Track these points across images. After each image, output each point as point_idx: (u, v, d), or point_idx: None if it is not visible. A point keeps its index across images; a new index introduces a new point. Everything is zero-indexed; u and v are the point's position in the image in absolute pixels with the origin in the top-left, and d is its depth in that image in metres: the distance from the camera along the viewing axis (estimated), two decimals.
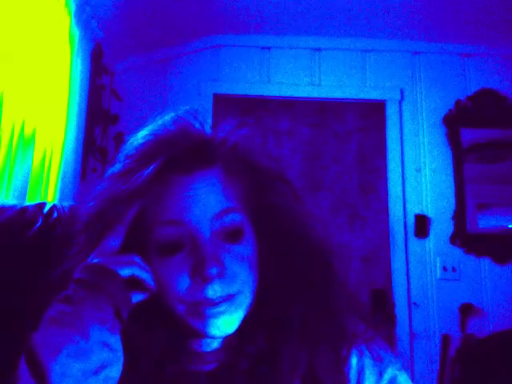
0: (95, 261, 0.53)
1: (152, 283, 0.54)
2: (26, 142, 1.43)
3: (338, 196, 2.38)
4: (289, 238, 0.59)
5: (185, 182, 0.54)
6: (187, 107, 0.60)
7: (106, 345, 0.47)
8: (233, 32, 2.49)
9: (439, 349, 2.15)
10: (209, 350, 0.58)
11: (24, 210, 0.77)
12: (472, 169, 2.37)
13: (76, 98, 1.81)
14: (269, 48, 2.54)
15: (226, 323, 0.53)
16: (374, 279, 2.30)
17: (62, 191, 1.65)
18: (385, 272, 2.31)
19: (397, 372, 0.59)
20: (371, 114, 2.50)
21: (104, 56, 2.17)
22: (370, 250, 2.33)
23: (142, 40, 2.36)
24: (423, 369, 2.17)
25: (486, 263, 2.29)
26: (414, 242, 2.32)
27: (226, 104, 2.45)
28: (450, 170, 2.38)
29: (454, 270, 2.27)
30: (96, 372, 0.46)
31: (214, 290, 0.52)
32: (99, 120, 2.18)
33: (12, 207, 0.78)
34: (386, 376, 0.58)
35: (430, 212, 2.35)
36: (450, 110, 2.43)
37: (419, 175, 2.40)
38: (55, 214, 0.76)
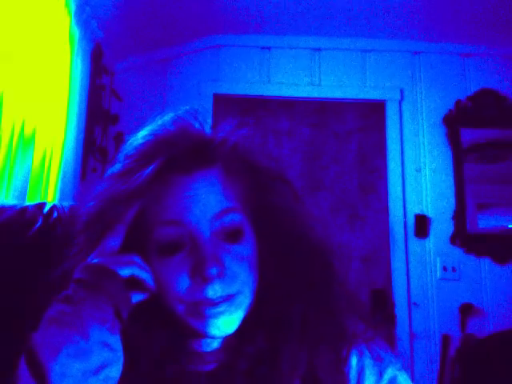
0: (95, 261, 0.53)
1: (152, 283, 0.54)
2: (25, 142, 1.43)
3: (337, 196, 2.38)
4: (289, 238, 0.59)
5: (185, 182, 0.54)
6: (187, 107, 0.60)
7: (105, 345, 0.47)
8: (233, 32, 2.49)
9: (439, 349, 2.15)
10: (209, 350, 0.58)
11: (24, 210, 0.77)
12: (472, 169, 2.37)
13: (76, 98, 1.81)
14: (269, 48, 2.54)
15: (225, 323, 0.53)
16: (374, 279, 2.30)
17: (62, 191, 1.65)
18: (385, 272, 2.31)
19: (397, 372, 0.59)
20: (371, 114, 2.50)
21: (104, 56, 2.17)
22: (370, 250, 2.33)
23: (142, 40, 2.36)
24: (423, 369, 2.17)
25: (486, 263, 2.29)
26: (413, 242, 2.32)
27: (226, 104, 2.45)
28: (449, 170, 2.38)
29: (453, 269, 2.27)
30: (96, 372, 0.46)
31: (214, 290, 0.52)
32: (99, 120, 2.18)
33: (12, 207, 0.78)
34: (386, 376, 0.58)
35: (430, 212, 2.35)
36: (449, 110, 2.43)
37: (419, 175, 2.40)
38: (55, 214, 0.76)
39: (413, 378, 2.13)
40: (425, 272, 2.28)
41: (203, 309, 0.53)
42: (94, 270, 0.52)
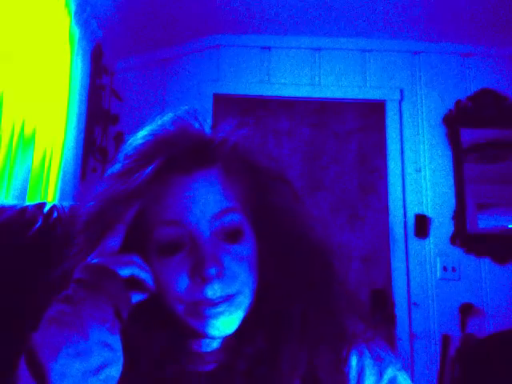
0: (95, 261, 0.53)
1: (152, 283, 0.54)
2: (26, 142, 1.43)
3: (337, 196, 2.38)
4: (289, 238, 0.59)
5: (184, 182, 0.54)
6: (187, 107, 0.60)
7: (105, 345, 0.47)
8: (233, 32, 2.49)
9: (439, 349, 2.15)
10: (208, 350, 0.58)
11: (24, 210, 0.77)
12: (472, 169, 2.37)
13: (76, 98, 1.81)
14: (269, 48, 2.54)
15: (225, 323, 0.53)
16: (374, 279, 2.30)
17: (62, 191, 1.65)
18: (385, 272, 2.31)
19: (397, 372, 0.59)
20: (371, 114, 2.50)
21: (104, 56, 2.17)
22: (370, 250, 2.33)
23: (142, 40, 2.36)
24: (423, 369, 2.17)
25: (486, 263, 2.29)
26: (413, 242, 2.32)
27: (226, 104, 2.45)
28: (449, 170, 2.38)
29: (453, 269, 2.27)
30: (96, 372, 0.46)
31: (213, 290, 0.52)
32: (99, 120, 2.18)
33: (12, 207, 0.78)
34: (386, 376, 0.58)
35: (430, 212, 2.35)
36: (449, 110, 2.43)
37: (419, 175, 2.40)
38: (55, 214, 0.76)
39: (413, 378, 2.13)
40: (425, 272, 2.28)
41: (203, 309, 0.53)
42: (94, 270, 0.52)
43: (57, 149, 1.64)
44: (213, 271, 0.51)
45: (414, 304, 2.24)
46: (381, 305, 2.25)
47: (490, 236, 2.31)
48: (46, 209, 0.78)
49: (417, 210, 2.34)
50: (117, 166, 0.57)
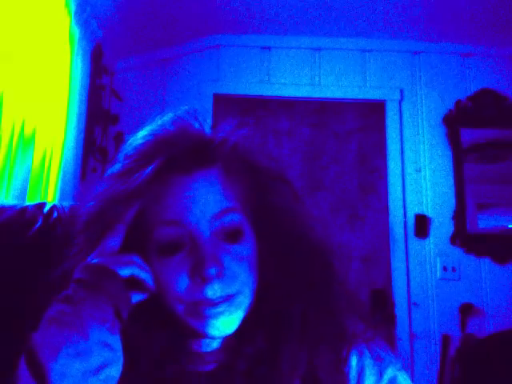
0: (95, 261, 0.53)
1: (152, 283, 0.54)
2: (25, 142, 1.43)
3: (337, 196, 2.38)
4: (289, 238, 0.59)
5: (184, 182, 0.54)
6: (187, 107, 0.60)
7: (105, 345, 0.47)
8: (233, 32, 2.49)
9: (439, 349, 2.15)
10: (208, 350, 0.58)
11: (24, 210, 0.77)
12: (472, 169, 2.37)
13: (76, 98, 1.81)
14: (269, 48, 2.54)
15: (225, 324, 0.53)
16: (374, 279, 2.30)
17: (62, 191, 1.65)
18: (385, 272, 2.31)
19: (397, 372, 0.59)
20: (371, 114, 2.50)
21: (104, 56, 2.17)
22: (370, 250, 2.33)
23: (142, 40, 2.36)
24: (423, 369, 2.17)
25: (486, 263, 2.29)
26: (413, 242, 2.32)
27: (226, 104, 2.45)
28: (449, 170, 2.38)
29: (453, 269, 2.27)
30: (96, 372, 0.46)
31: (213, 290, 0.52)
32: (99, 120, 2.18)
33: (12, 207, 0.78)
34: (386, 376, 0.58)
35: (430, 212, 2.35)
36: (449, 110, 2.43)
37: (419, 175, 2.40)
38: (55, 214, 0.76)
39: (413, 378, 2.13)
40: (425, 272, 2.28)
41: (203, 309, 0.53)
42: (94, 270, 0.52)
43: (57, 149, 1.64)
44: (213, 271, 0.51)
45: (414, 304, 2.24)
46: (381, 305, 2.25)
47: (490, 236, 2.31)
48: (46, 209, 0.78)
49: (417, 210, 2.34)
50: (117, 166, 0.57)
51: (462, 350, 2.05)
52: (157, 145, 0.55)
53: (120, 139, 2.13)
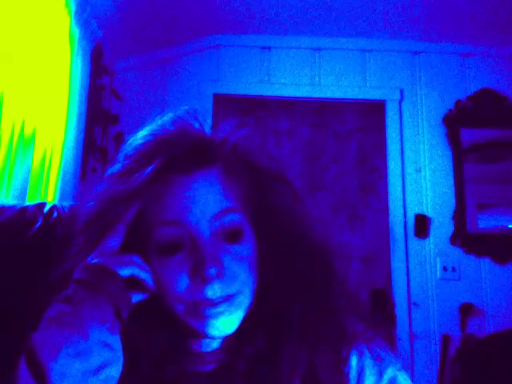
0: (95, 261, 0.53)
1: (152, 283, 0.54)
2: (26, 142, 1.43)
3: (337, 196, 2.38)
4: (289, 238, 0.59)
5: (184, 182, 0.54)
6: (187, 107, 0.60)
7: (105, 345, 0.47)
8: (233, 32, 2.49)
9: (439, 349, 2.15)
10: (208, 350, 0.58)
11: (24, 210, 0.77)
12: (472, 169, 2.37)
13: (76, 98, 1.81)
14: (269, 48, 2.54)
15: (225, 324, 0.53)
16: (374, 279, 2.30)
17: (62, 191, 1.65)
18: (385, 272, 2.31)
19: (397, 372, 0.59)
20: (371, 114, 2.50)
21: (104, 56, 2.17)
22: (370, 250, 2.33)
23: (142, 40, 2.36)
24: (423, 369, 2.17)
25: (486, 263, 2.29)
26: (413, 242, 2.32)
27: (226, 104, 2.45)
28: (449, 170, 2.38)
29: (453, 269, 2.27)
30: (96, 372, 0.46)
31: (213, 290, 0.52)
32: (99, 120, 2.18)
33: (12, 207, 0.78)
34: (386, 376, 0.58)
35: (430, 212, 2.35)
36: (449, 110, 2.43)
37: (419, 175, 2.40)
38: (55, 214, 0.76)
39: (413, 378, 2.13)
40: (425, 272, 2.28)
41: (203, 309, 0.53)
42: (94, 270, 0.52)
43: (57, 149, 1.64)
44: (213, 271, 0.51)
45: (414, 304, 2.24)
46: (381, 305, 2.25)
47: (490, 236, 2.31)
48: (46, 209, 0.78)
49: (417, 210, 2.34)
50: (117, 166, 0.57)
51: (462, 350, 2.05)
52: (157, 145, 0.55)
53: (120, 139, 2.13)
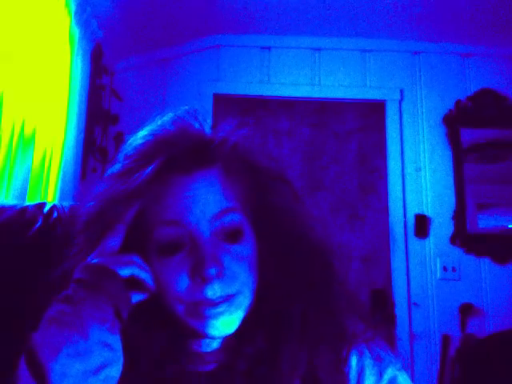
0: (95, 261, 0.53)
1: (152, 283, 0.54)
2: (26, 142, 1.43)
3: (337, 196, 2.38)
4: (289, 238, 0.59)
5: (184, 182, 0.54)
6: (187, 107, 0.60)
7: (105, 345, 0.47)
8: (233, 32, 2.49)
9: (439, 349, 2.15)
10: (208, 350, 0.58)
11: (24, 210, 0.77)
12: (472, 169, 2.37)
13: (76, 98, 1.81)
14: (269, 48, 2.54)
15: (225, 324, 0.53)
16: (374, 279, 2.30)
17: (62, 191, 1.65)
18: (385, 272, 2.31)
19: (397, 372, 0.59)
20: (371, 114, 2.49)
21: (104, 56, 2.17)
22: (370, 250, 2.33)
23: (142, 40, 2.36)
24: (423, 369, 2.17)
25: (486, 263, 2.29)
26: (413, 242, 2.31)
27: (226, 104, 2.45)
28: (449, 170, 2.38)
29: (453, 269, 2.27)
30: (96, 372, 0.46)
31: (213, 290, 0.52)
32: (99, 120, 2.18)
33: (12, 207, 0.78)
34: (386, 376, 0.58)
35: (430, 212, 2.35)
36: (449, 110, 2.43)
37: (419, 175, 2.40)
38: (55, 214, 0.76)
39: (413, 378, 2.13)
40: (425, 272, 2.28)
41: (203, 309, 0.53)
42: (94, 270, 0.52)
43: (57, 149, 1.64)
44: (213, 271, 0.51)
45: (414, 304, 2.24)
46: (381, 305, 2.25)
47: (490, 236, 2.31)
48: (46, 209, 0.78)
49: (417, 210, 2.34)
50: (117, 166, 0.57)
51: (462, 350, 2.05)
52: (157, 145, 0.55)
53: (120, 139, 2.13)
